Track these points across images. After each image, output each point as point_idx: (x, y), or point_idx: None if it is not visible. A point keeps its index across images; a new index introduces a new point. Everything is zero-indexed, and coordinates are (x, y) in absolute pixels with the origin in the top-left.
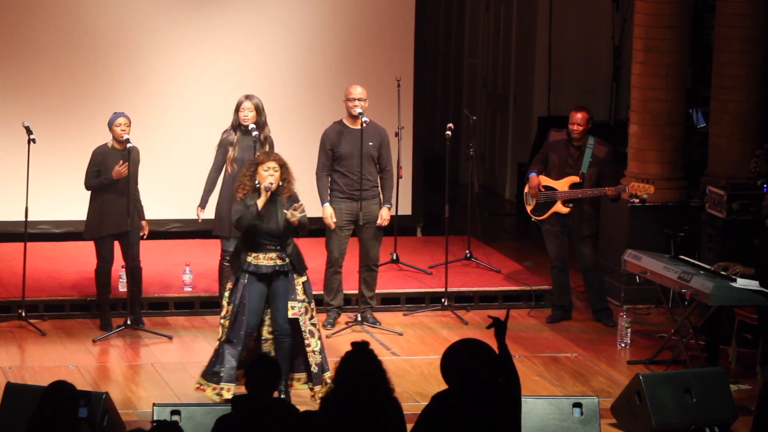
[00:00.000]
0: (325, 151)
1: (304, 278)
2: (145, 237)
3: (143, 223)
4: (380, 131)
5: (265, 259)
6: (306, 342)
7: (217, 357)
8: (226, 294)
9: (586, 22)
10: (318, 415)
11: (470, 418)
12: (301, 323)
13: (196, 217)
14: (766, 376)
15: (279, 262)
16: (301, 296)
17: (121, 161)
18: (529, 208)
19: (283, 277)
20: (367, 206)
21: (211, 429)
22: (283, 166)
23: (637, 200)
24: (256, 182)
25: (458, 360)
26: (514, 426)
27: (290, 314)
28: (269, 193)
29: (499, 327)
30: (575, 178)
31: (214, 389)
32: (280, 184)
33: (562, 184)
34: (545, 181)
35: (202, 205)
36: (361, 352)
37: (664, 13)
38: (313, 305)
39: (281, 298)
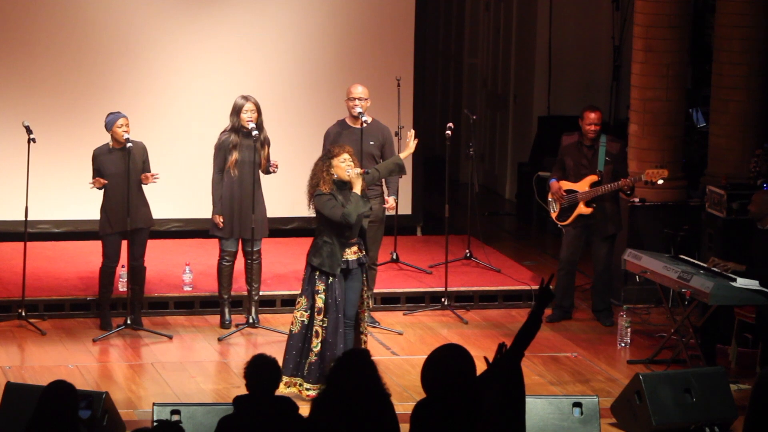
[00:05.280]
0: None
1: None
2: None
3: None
4: (383, 129)
5: (351, 254)
6: (361, 329)
7: (323, 358)
8: (322, 296)
9: (586, 22)
10: (312, 417)
11: (452, 425)
12: (360, 313)
13: (196, 217)
14: (764, 373)
15: (361, 254)
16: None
17: (101, 181)
18: (554, 215)
19: (359, 269)
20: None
21: (213, 429)
22: (353, 156)
23: (637, 200)
24: (334, 176)
25: (434, 370)
26: (516, 427)
27: (366, 305)
28: (362, 178)
29: (544, 296)
30: (594, 177)
31: None
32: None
33: (582, 185)
34: (566, 185)
35: (217, 212)
36: (355, 355)
37: (664, 13)
38: (370, 294)
39: (355, 290)
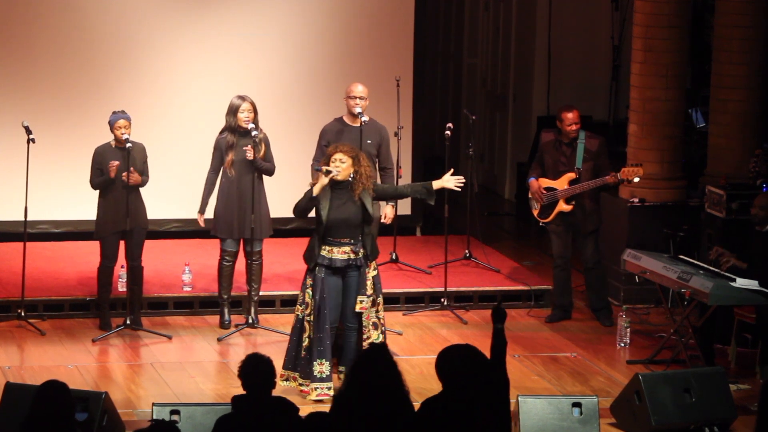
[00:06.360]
0: (321, 147)
1: (375, 272)
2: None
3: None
4: (380, 130)
5: (339, 253)
6: (366, 335)
7: (310, 354)
8: (309, 291)
9: (586, 21)
10: (328, 415)
11: (461, 421)
12: (363, 318)
13: (195, 217)
14: (766, 376)
15: (352, 255)
16: (369, 290)
17: (115, 162)
18: (535, 213)
19: (355, 271)
20: None
21: (211, 429)
22: (355, 158)
23: (636, 200)
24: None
25: (456, 362)
26: (504, 425)
27: (357, 308)
28: (328, 179)
29: (498, 314)
30: (572, 175)
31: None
32: (351, 176)
33: (561, 183)
34: (545, 183)
35: (202, 210)
36: (376, 352)
37: (664, 13)
38: (380, 299)
39: (352, 292)
